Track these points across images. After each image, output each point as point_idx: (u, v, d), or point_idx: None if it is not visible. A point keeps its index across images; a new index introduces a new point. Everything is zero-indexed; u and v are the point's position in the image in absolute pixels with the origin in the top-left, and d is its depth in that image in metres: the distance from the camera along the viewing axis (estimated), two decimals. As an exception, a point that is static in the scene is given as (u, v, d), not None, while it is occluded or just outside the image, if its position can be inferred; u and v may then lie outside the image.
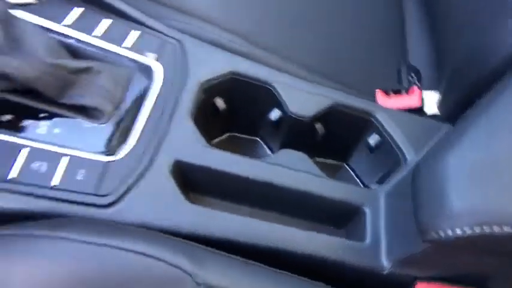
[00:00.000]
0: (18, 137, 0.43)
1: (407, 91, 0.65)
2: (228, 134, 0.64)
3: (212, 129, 0.59)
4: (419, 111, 0.64)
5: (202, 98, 0.53)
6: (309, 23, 0.67)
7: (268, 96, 0.56)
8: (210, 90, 0.54)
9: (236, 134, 0.64)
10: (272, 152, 0.63)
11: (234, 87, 0.55)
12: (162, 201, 0.44)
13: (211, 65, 0.54)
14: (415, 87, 0.65)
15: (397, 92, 0.65)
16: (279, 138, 0.60)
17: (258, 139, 0.65)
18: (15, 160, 0.41)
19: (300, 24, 0.66)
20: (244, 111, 0.59)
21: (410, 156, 0.53)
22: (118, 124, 0.47)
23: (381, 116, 0.57)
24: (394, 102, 0.63)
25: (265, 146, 0.64)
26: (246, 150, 0.63)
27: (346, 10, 0.72)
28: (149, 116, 0.49)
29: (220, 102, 0.57)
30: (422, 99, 0.65)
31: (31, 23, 0.46)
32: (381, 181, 0.57)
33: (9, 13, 0.44)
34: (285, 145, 0.58)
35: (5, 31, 0.42)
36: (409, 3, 0.80)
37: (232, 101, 0.57)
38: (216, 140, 0.62)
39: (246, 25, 0.61)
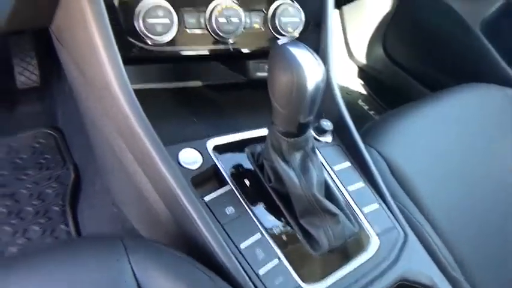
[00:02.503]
0: (260, 219, 0.57)
1: None
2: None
3: None
4: None
5: (393, 290, 0.58)
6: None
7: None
8: (402, 288, 0.58)
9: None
10: None
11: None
12: None
13: (417, 269, 0.59)
14: None
15: None
16: None
17: None
18: (249, 237, 0.55)
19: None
20: None
21: None
22: (324, 262, 0.56)
23: None
24: None
25: None
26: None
27: None
28: (344, 277, 0.56)
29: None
30: None
31: (318, 158, 0.62)
32: None
33: (314, 150, 0.60)
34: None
35: (304, 158, 0.58)
36: None
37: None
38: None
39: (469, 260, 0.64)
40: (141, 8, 0.58)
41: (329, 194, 0.62)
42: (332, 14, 0.72)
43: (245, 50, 0.68)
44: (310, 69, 0.50)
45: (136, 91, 0.75)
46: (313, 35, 0.73)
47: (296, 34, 0.69)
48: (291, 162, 0.57)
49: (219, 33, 0.63)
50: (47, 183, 1.13)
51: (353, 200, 0.64)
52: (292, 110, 0.52)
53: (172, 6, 0.60)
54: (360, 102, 1.61)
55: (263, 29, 0.67)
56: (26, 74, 1.19)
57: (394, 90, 1.57)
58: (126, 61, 0.61)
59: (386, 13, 1.51)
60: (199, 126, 0.71)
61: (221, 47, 0.66)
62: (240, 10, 0.63)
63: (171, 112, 0.77)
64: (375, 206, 0.64)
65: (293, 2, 0.68)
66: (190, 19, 0.62)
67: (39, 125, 1.24)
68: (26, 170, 1.15)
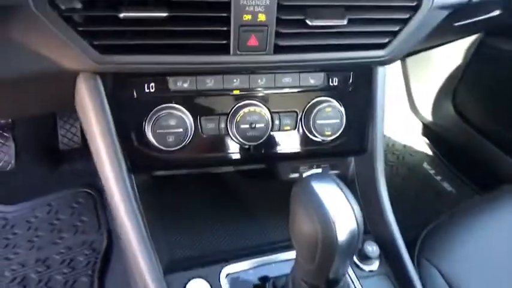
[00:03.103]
0: None
1: None
2: None
3: None
4: None
5: None
6: None
7: None
8: None
9: None
10: None
11: None
12: None
13: None
14: None
15: None
16: None
17: None
18: None
19: None
20: None
21: None
22: None
23: None
24: None
25: None
26: None
27: None
28: None
29: None
30: None
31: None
32: None
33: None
34: None
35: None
36: None
37: None
38: None
39: None
40: (152, 115, 0.50)
41: None
42: (383, 110, 0.59)
43: (274, 154, 0.57)
44: (340, 217, 0.38)
45: (160, 178, 0.68)
46: (357, 133, 0.60)
47: (329, 138, 0.57)
48: None
49: (242, 140, 0.53)
50: (79, 249, 1.10)
51: None
52: (319, 266, 0.40)
53: (188, 110, 0.51)
54: (425, 165, 1.41)
55: (295, 130, 0.56)
56: (69, 136, 1.19)
57: (464, 151, 1.36)
58: (135, 169, 0.54)
59: (457, 66, 1.32)
60: (218, 238, 0.62)
61: (244, 153, 0.56)
62: (267, 113, 0.53)
63: (192, 210, 0.69)
64: None
65: (338, 102, 0.56)
66: (208, 124, 0.53)
67: (80, 183, 1.23)
68: (62, 233, 1.14)
